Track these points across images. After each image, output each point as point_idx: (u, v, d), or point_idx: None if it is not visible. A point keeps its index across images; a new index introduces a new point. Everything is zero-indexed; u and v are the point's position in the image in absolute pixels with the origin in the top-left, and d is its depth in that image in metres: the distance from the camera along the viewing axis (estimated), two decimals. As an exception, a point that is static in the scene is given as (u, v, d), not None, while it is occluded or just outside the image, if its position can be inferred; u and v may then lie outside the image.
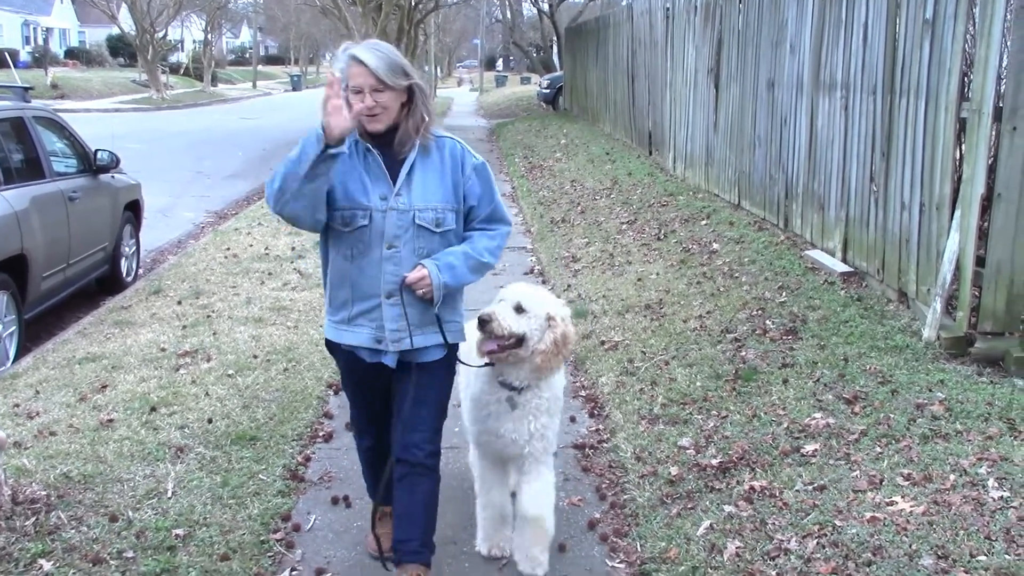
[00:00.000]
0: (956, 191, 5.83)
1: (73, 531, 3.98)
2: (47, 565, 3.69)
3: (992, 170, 5.55)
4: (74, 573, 3.67)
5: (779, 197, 9.22)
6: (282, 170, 3.28)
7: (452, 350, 3.67)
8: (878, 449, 4.52)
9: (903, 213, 6.52)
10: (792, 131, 8.88)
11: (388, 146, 3.42)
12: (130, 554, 3.83)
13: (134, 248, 9.93)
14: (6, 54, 39.44)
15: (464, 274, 3.50)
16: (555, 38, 38.38)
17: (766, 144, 9.64)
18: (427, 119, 3.42)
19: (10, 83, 9.56)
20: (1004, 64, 5.44)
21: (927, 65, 6.15)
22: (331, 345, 3.67)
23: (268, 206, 3.42)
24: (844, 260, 7.56)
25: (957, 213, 5.72)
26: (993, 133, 5.54)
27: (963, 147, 5.82)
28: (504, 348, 3.52)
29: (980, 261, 5.64)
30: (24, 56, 50.04)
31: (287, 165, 3.26)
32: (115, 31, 52.75)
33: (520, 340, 3.52)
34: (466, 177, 3.52)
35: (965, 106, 5.71)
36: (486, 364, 3.68)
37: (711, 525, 4.06)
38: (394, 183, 3.41)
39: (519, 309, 3.50)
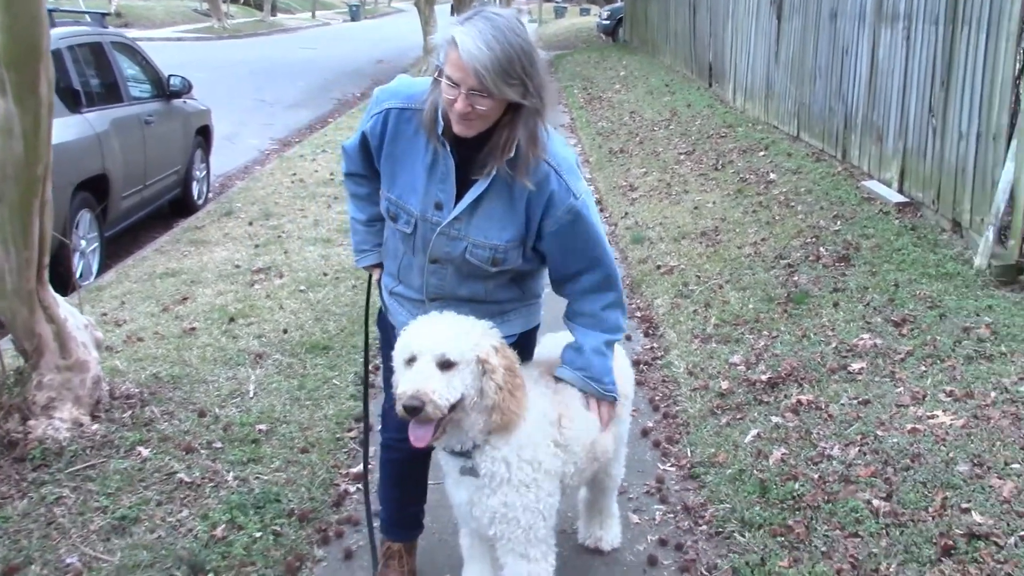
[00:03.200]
0: (1013, 121, 5.88)
1: (166, 424, 4.35)
2: (145, 451, 4.05)
3: (1050, 100, 5.60)
4: (169, 459, 4.02)
5: (838, 128, 9.25)
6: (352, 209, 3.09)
7: (531, 332, 3.04)
8: (923, 368, 4.69)
9: (960, 143, 6.57)
10: (853, 62, 8.87)
11: (469, 150, 2.60)
12: (219, 445, 4.18)
13: (205, 172, 10.28)
14: (71, -18, 39.93)
15: (612, 360, 2.90)
16: (616, -32, 37.82)
17: (827, 75, 9.64)
18: (526, 153, 2.54)
19: (89, 9, 9.88)
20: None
21: (990, -6, 6.16)
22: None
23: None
24: (900, 191, 7.63)
25: (1014, 143, 5.78)
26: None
27: (1022, 77, 5.86)
28: (440, 427, 2.55)
29: (1034, 191, 5.72)
30: (88, -15, 50.53)
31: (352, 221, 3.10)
32: (176, -40, 53.01)
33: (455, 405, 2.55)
34: (553, 221, 2.66)
35: (1026, 36, 5.74)
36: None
37: (758, 434, 4.29)
38: (456, 202, 2.66)
39: (445, 365, 2.51)
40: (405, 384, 2.47)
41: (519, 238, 2.69)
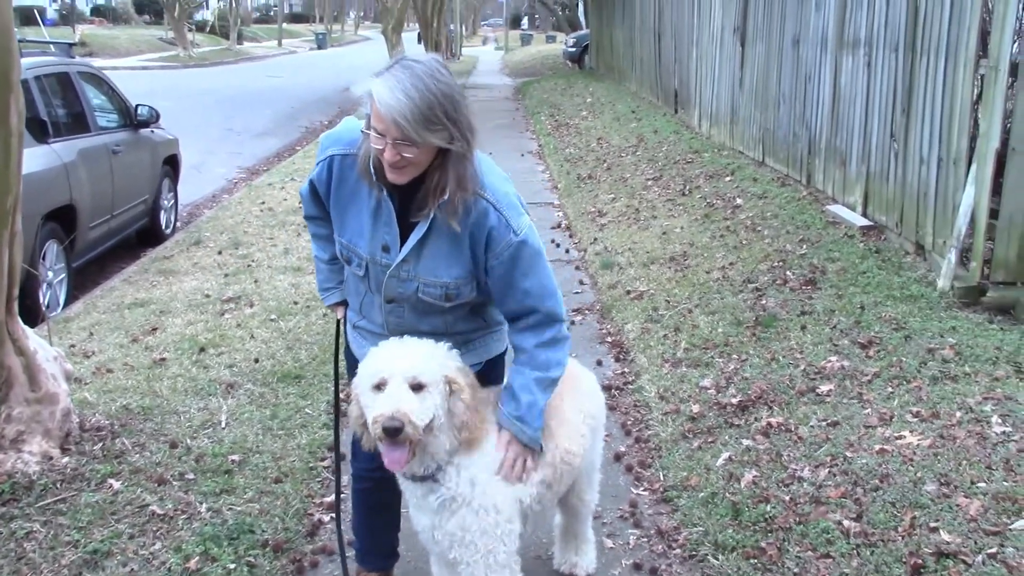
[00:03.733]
0: (973, 146, 6.01)
1: (137, 455, 4.31)
2: (116, 484, 4.02)
3: (1008, 125, 5.73)
4: (141, 491, 3.99)
5: (802, 153, 9.39)
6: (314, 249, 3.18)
7: (498, 359, 3.07)
8: (889, 389, 4.76)
9: (922, 168, 6.70)
10: (816, 88, 9.03)
11: (409, 193, 2.64)
12: (191, 476, 4.15)
13: (172, 201, 10.23)
14: (35, 11, 39.76)
15: (543, 400, 2.76)
16: (581, -4, 38.22)
17: (790, 101, 9.79)
18: (453, 195, 2.55)
19: (56, 39, 9.83)
20: (1022, 21, 5.60)
21: (948, 23, 6.30)
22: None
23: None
24: (864, 214, 7.76)
25: (973, 167, 5.91)
26: (1010, 89, 5.71)
27: (980, 103, 6.00)
28: (410, 451, 2.57)
29: (994, 214, 5.84)
30: (51, 14, 50.36)
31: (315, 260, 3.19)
32: (141, -12, 52.95)
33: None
34: (494, 256, 2.66)
35: (983, 63, 5.88)
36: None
37: (730, 457, 4.33)
38: (402, 243, 2.70)
39: (417, 387, 2.53)
40: (381, 407, 2.48)
41: (468, 273, 2.72)
